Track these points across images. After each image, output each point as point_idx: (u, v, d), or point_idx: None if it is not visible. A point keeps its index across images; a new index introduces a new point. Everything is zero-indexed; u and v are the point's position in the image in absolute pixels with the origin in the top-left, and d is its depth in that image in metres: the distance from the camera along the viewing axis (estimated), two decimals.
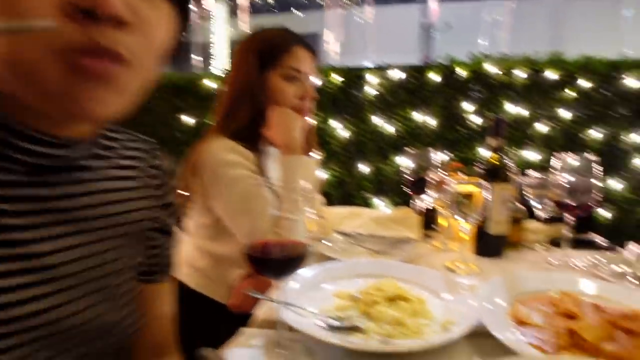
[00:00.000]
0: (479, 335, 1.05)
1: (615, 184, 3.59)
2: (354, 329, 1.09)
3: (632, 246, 1.66)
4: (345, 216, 2.20)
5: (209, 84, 3.98)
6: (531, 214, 1.92)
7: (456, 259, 1.64)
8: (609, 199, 3.65)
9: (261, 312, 1.23)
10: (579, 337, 1.01)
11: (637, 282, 1.44)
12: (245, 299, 1.53)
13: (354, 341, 1.05)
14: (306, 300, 1.21)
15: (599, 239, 1.99)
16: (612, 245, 1.90)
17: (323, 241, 1.77)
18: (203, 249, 1.67)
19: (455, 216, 1.58)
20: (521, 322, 1.11)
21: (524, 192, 1.89)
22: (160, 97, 3.99)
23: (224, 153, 1.57)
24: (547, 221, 1.93)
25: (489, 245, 1.75)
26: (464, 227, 1.65)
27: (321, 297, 1.27)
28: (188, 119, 4.07)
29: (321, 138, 3.71)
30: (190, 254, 1.76)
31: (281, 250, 1.02)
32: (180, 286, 1.70)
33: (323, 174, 3.83)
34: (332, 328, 1.09)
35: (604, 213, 3.73)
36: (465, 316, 1.11)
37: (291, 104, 1.66)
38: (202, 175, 1.65)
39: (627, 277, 1.49)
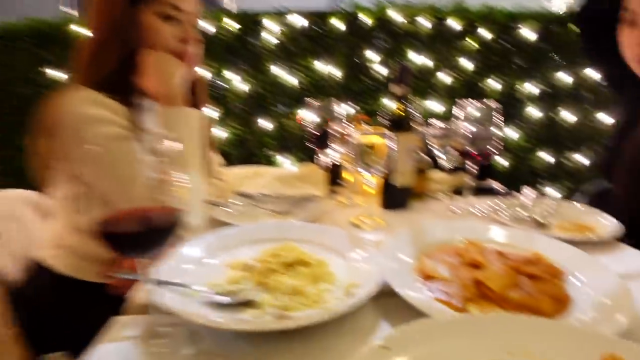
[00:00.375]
0: (386, 296, 0.96)
1: (512, 133, 3.80)
2: (246, 304, 0.94)
3: (527, 191, 1.70)
4: (246, 177, 2.02)
5: (80, 30, 3.32)
6: (435, 164, 1.90)
7: (362, 214, 1.55)
8: (506, 147, 3.87)
9: (138, 294, 1.03)
10: (485, 287, 0.96)
11: (535, 225, 1.47)
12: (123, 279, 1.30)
13: (244, 318, 0.90)
14: (193, 275, 1.03)
15: (497, 186, 2.04)
16: (509, 191, 1.96)
17: (221, 206, 1.58)
18: (71, 224, 1.39)
19: (360, 169, 1.47)
20: (428, 277, 1.05)
21: (428, 142, 1.84)
22: (19, 48, 3.36)
23: (85, 107, 1.29)
24: (450, 171, 1.91)
25: (394, 197, 1.68)
26: (369, 181, 1.55)
27: (211, 271, 1.09)
28: (56, 74, 3.42)
29: (215, 92, 3.41)
30: (57, 232, 1.46)
31: (143, 221, 0.82)
32: (44, 272, 1.42)
33: (221, 132, 3.54)
34: (220, 306, 0.93)
35: (502, 161, 3.97)
36: (370, 276, 1.01)
37: (169, 48, 1.40)
38: (60, 136, 1.35)
39: (526, 220, 1.51)
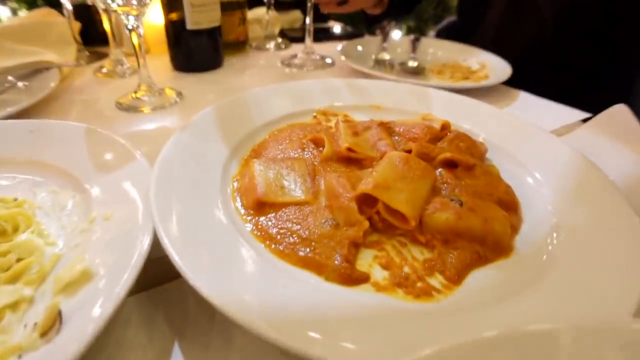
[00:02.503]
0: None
1: None
2: None
3: (385, 29, 1.19)
4: None
5: None
6: None
7: (138, 87, 0.86)
8: None
9: None
10: (384, 211, 0.46)
11: (404, 72, 1.00)
12: None
13: None
14: None
15: (340, 27, 1.50)
16: (359, 31, 1.45)
17: None
18: None
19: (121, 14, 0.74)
20: (259, 204, 0.48)
21: None
22: None
23: None
24: (278, 7, 1.29)
25: (193, 50, 1.01)
26: (136, 24, 0.83)
27: None
28: None
29: None
30: None
31: None
32: None
33: None
34: None
35: None
36: (130, 228, 0.40)
37: None
38: None
39: (392, 66, 1.03)
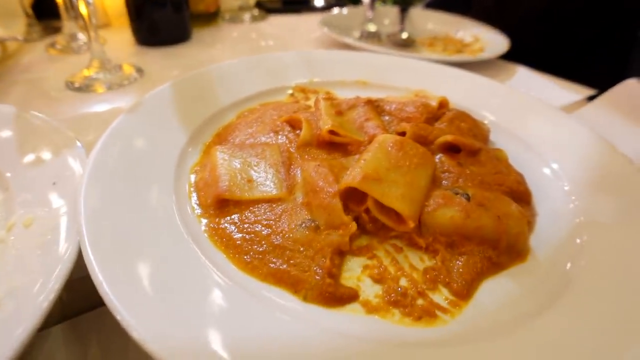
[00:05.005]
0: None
1: None
2: None
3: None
4: None
5: None
6: None
7: (90, 64, 0.75)
8: None
9: None
10: (373, 208, 0.37)
11: (393, 43, 0.91)
12: None
13: None
14: None
15: None
16: (336, 3, 1.33)
17: None
18: None
19: None
20: (219, 201, 0.39)
21: None
22: None
23: None
24: None
25: (156, 22, 0.90)
26: None
27: None
28: None
29: None
30: None
31: None
32: None
33: None
34: None
35: None
36: (51, 239, 0.31)
37: None
38: None
39: (380, 36, 0.93)
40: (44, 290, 0.29)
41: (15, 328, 0.27)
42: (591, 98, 0.73)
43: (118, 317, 0.26)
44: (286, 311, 0.30)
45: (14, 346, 0.26)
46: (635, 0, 1.01)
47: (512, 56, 0.88)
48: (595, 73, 0.82)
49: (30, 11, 1.00)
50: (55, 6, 0.94)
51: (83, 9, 0.70)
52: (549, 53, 1.03)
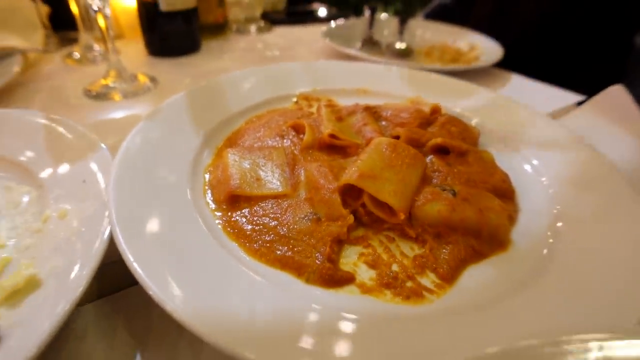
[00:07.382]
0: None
1: None
2: None
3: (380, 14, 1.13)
4: None
5: None
6: None
7: (107, 74, 0.80)
8: None
9: None
10: (369, 203, 0.42)
11: (391, 54, 0.96)
12: None
13: None
14: None
15: (325, 10, 1.44)
16: (346, 13, 1.39)
17: None
18: None
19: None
20: (231, 198, 0.44)
21: None
22: None
23: None
24: None
25: (168, 33, 0.95)
26: (102, 4, 0.77)
27: None
28: None
29: None
30: None
31: None
32: None
33: None
34: None
35: None
36: (86, 229, 0.36)
37: None
38: None
39: (380, 46, 0.98)
40: (81, 271, 0.34)
41: (57, 304, 0.32)
42: (580, 103, 0.77)
43: (150, 292, 0.30)
44: (291, 291, 0.35)
45: (57, 319, 0.30)
46: (632, 7, 1.05)
47: (510, 64, 0.92)
48: (592, 80, 0.85)
49: (47, 23, 1.05)
50: (70, 18, 0.99)
51: (101, 22, 0.75)
52: (546, 61, 1.07)
